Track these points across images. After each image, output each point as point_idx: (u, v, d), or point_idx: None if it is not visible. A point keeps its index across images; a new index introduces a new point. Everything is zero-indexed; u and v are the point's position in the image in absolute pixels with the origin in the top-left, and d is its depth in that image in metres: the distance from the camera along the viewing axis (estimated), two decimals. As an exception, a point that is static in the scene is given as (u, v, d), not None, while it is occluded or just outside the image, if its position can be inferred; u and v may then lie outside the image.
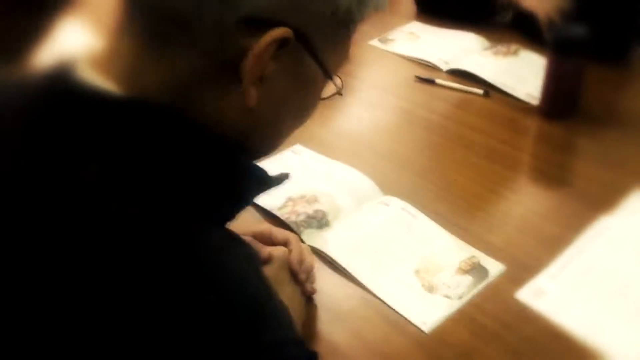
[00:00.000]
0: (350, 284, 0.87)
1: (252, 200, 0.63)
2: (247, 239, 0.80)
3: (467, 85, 1.29)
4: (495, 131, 1.17)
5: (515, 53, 1.38)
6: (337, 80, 0.64)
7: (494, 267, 0.87)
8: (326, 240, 0.93)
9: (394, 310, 0.83)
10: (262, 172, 0.61)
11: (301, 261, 0.81)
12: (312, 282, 0.84)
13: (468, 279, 0.86)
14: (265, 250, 0.79)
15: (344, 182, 1.03)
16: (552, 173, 1.06)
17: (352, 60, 1.44)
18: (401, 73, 1.38)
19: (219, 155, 0.55)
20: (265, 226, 0.85)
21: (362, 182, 1.04)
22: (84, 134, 0.49)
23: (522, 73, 1.31)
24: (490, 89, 1.27)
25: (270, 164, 1.10)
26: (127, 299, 0.44)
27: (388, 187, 1.03)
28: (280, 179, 0.66)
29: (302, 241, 0.93)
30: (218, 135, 0.54)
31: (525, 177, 1.07)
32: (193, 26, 0.49)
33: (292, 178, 0.67)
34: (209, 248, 0.50)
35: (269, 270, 0.77)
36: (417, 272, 0.88)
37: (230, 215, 0.59)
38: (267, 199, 1.01)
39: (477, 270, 0.87)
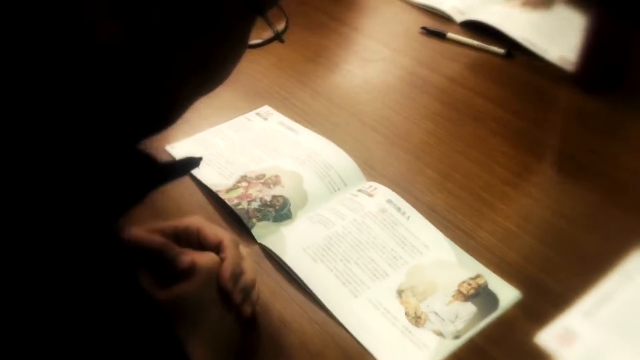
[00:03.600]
0: (309, 305, 0.64)
1: (138, 200, 0.40)
2: (157, 240, 0.56)
3: (486, 43, 1.03)
4: (517, 103, 0.92)
5: (547, 5, 1.11)
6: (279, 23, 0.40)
7: (507, 294, 0.64)
8: (283, 240, 0.69)
9: (364, 348, 0.60)
10: (147, 159, 0.38)
11: (237, 275, 0.57)
12: (254, 303, 0.60)
13: (470, 309, 0.62)
14: (187, 258, 0.55)
15: (317, 159, 0.79)
16: (590, 164, 0.81)
17: (345, 4, 1.18)
18: (404, 23, 1.12)
19: (67, 134, 0.33)
20: (194, 221, 0.61)
21: (341, 161, 0.79)
22: None
23: (556, 31, 1.05)
24: (513, 48, 1.02)
25: (227, 129, 0.87)
26: None
27: (373, 170, 0.79)
28: (183, 168, 0.43)
29: (254, 238, 0.70)
30: (62, 98, 0.32)
31: (550, 167, 0.82)
32: None
33: (207, 161, 0.44)
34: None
35: (188, 288, 0.54)
36: (400, 293, 0.64)
37: (108, 221, 0.37)
38: (214, 176, 0.77)
39: (483, 296, 0.64)
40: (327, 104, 0.92)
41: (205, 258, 0.56)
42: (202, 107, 0.92)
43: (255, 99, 0.92)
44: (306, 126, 0.86)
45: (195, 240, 0.60)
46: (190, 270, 0.55)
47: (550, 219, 0.73)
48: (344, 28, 1.10)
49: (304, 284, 0.65)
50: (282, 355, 0.60)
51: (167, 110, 0.38)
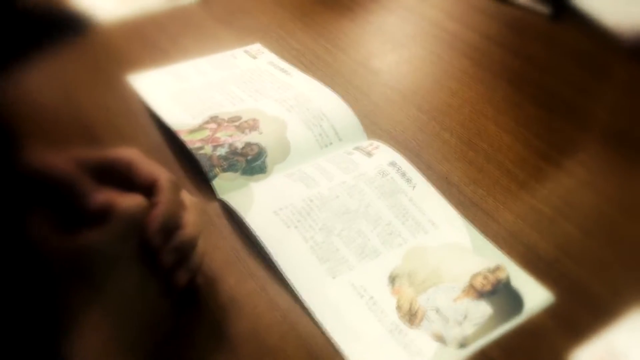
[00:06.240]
0: (272, 283, 0.49)
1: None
2: (66, 171, 0.41)
3: (530, 1, 0.87)
4: (563, 70, 0.75)
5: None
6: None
7: (535, 294, 0.48)
8: (251, 197, 0.54)
9: (336, 348, 0.44)
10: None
11: (171, 228, 0.42)
12: (193, 270, 0.45)
13: (484, 310, 0.47)
14: (100, 196, 0.40)
15: (308, 105, 0.63)
16: (647, 146, 0.65)
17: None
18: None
19: None
20: (126, 154, 0.45)
21: (338, 111, 0.63)
22: None
23: (614, -5, 0.88)
24: (561, 9, 0.85)
25: (206, 64, 0.71)
26: None
27: (377, 127, 0.64)
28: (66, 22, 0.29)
29: (215, 193, 0.54)
30: None
31: (600, 143, 0.66)
32: None
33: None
34: None
35: (97, 237, 0.39)
36: (394, 279, 0.49)
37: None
38: (179, 114, 0.62)
39: (502, 295, 0.48)
40: (330, 48, 0.76)
41: (127, 200, 0.41)
42: (180, 36, 0.77)
43: (246, 35, 0.76)
44: (302, 70, 0.70)
45: (124, 177, 0.44)
46: (105, 215, 0.40)
47: (597, 204, 0.57)
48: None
49: (269, 256, 0.49)
50: (224, 346, 0.44)
51: None
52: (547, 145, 0.63)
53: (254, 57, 0.72)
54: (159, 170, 0.44)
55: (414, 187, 0.56)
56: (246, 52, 0.73)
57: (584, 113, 0.68)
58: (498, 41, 0.80)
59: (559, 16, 0.84)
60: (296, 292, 0.47)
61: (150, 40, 0.74)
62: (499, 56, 0.77)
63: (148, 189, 0.43)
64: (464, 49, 0.78)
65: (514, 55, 0.77)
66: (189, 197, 0.45)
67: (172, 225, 0.42)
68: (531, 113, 0.67)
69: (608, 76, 0.75)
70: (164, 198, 0.42)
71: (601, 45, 0.79)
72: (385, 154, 0.58)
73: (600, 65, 0.77)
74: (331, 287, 0.48)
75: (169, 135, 0.60)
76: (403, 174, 0.57)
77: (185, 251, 0.43)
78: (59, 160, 0.42)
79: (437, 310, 0.46)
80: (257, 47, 0.74)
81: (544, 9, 0.85)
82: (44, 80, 0.62)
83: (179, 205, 0.43)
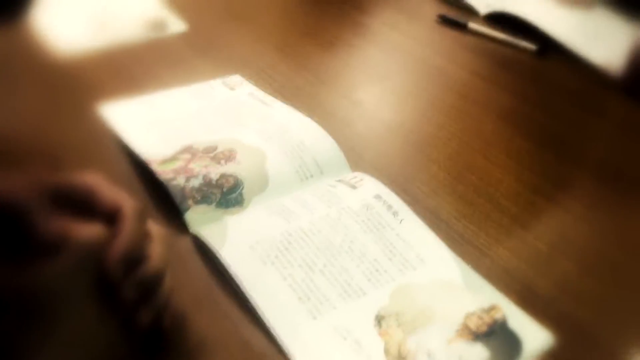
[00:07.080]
0: (247, 324, 0.44)
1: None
2: (16, 197, 0.37)
3: (514, 37, 0.85)
4: (553, 105, 0.74)
5: (587, 5, 0.94)
6: None
7: (534, 336, 0.44)
8: (226, 231, 0.50)
9: (316, 395, 0.40)
10: None
11: (134, 260, 0.38)
12: (160, 309, 0.40)
13: (480, 353, 0.42)
14: (55, 225, 0.36)
15: (288, 135, 0.60)
16: (641, 181, 0.63)
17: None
18: (421, 10, 0.94)
19: None
20: (88, 179, 0.41)
21: (320, 143, 0.60)
22: None
23: (598, 32, 0.87)
24: (547, 46, 0.84)
25: (182, 94, 0.68)
26: None
27: (361, 159, 0.60)
28: None
29: (187, 226, 0.50)
30: None
31: (592, 177, 0.63)
32: None
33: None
34: None
35: (49, 270, 0.35)
36: (380, 320, 0.44)
37: None
38: (151, 144, 0.58)
39: (499, 336, 0.44)
40: (313, 80, 0.73)
41: (84, 230, 0.36)
42: (157, 67, 0.74)
43: (225, 66, 0.74)
44: (283, 102, 0.67)
45: (86, 207, 0.40)
46: (59, 245, 0.35)
47: (594, 240, 0.53)
48: (347, 7, 0.93)
49: (244, 294, 0.45)
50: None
51: None
52: (539, 179, 0.60)
53: (232, 89, 0.69)
54: (123, 197, 0.40)
55: (400, 221, 0.52)
56: (224, 83, 0.70)
57: (575, 147, 0.66)
58: (485, 76, 0.78)
59: (545, 53, 0.83)
60: (273, 334, 0.43)
61: (126, 71, 0.71)
62: (486, 91, 0.75)
63: (111, 217, 0.39)
64: (451, 83, 0.76)
65: (502, 90, 0.75)
66: (156, 227, 0.41)
67: (135, 257, 0.38)
68: (522, 147, 0.64)
69: (597, 111, 0.73)
70: (127, 227, 0.38)
71: (588, 81, 0.78)
72: (370, 187, 0.55)
73: (589, 100, 0.75)
74: (312, 329, 0.43)
75: (140, 167, 0.56)
76: (389, 207, 0.53)
77: (150, 287, 0.39)
78: (9, 184, 0.38)
79: (429, 354, 0.42)
80: (236, 79, 0.71)
81: (530, 45, 0.83)
82: (9, 107, 0.58)
83: (144, 236, 0.39)
